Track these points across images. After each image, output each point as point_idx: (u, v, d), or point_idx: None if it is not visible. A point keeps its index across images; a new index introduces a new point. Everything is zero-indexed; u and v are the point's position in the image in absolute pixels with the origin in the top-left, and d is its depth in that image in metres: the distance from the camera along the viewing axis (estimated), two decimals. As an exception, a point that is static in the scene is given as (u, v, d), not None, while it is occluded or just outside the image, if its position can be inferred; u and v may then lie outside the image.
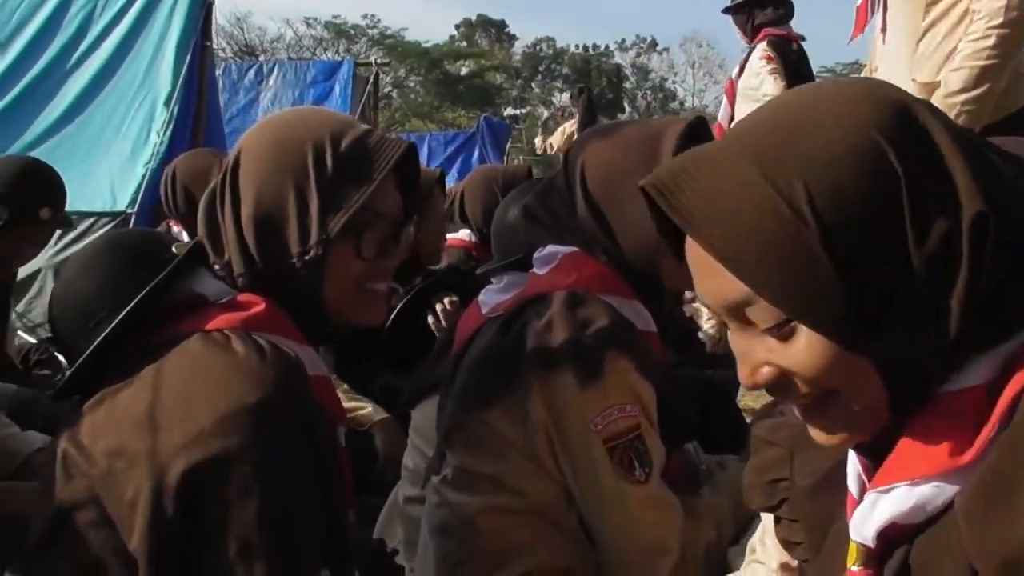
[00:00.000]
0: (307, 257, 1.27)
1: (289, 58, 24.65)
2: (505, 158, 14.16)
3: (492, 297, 1.66)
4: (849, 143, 0.76)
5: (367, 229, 1.31)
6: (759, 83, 4.85)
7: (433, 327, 2.70)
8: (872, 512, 0.81)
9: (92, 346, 1.24)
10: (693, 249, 0.83)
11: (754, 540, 1.23)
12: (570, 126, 9.18)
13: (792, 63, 4.88)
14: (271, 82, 10.66)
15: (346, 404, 2.08)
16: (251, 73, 10.84)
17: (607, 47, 53.23)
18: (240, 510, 1.10)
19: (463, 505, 1.53)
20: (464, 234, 3.38)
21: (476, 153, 13.46)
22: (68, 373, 1.30)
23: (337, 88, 10.75)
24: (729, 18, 5.26)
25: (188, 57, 5.20)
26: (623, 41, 53.71)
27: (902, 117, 0.78)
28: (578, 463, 1.47)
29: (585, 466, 1.47)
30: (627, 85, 50.72)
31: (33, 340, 3.67)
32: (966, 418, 0.76)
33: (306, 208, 1.27)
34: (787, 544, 1.09)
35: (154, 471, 1.10)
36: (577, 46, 52.85)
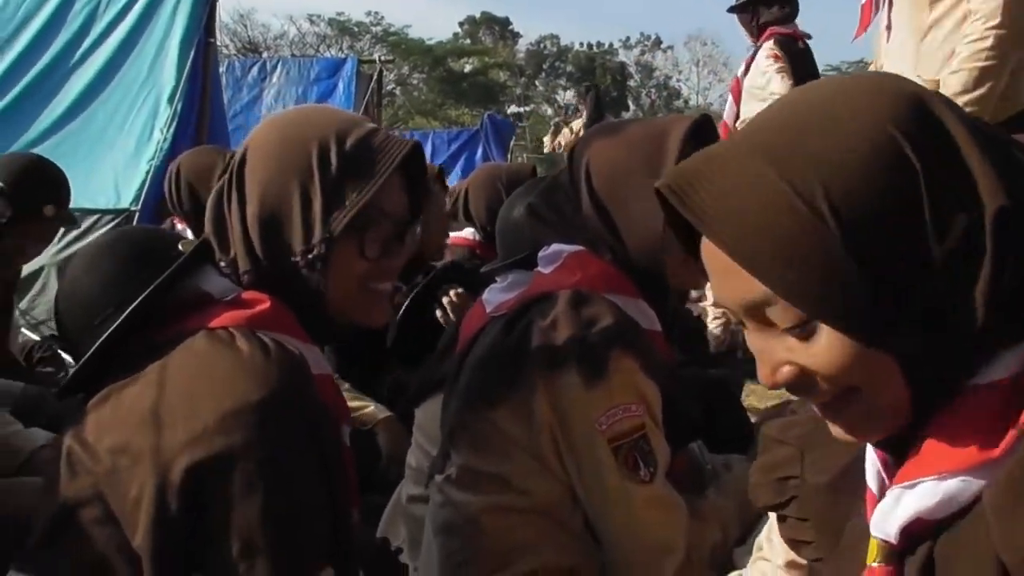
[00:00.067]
0: (310, 256, 1.27)
1: (292, 55, 24.66)
2: (509, 156, 14.18)
3: (496, 296, 1.65)
4: (865, 139, 0.76)
5: (371, 228, 1.31)
6: (766, 81, 4.84)
7: (442, 320, 2.70)
8: (896, 508, 0.80)
9: (97, 343, 1.24)
10: (709, 250, 0.83)
11: (761, 538, 1.23)
12: (578, 124, 9.17)
13: (798, 61, 4.87)
14: (274, 79, 10.68)
15: (349, 403, 2.08)
16: (254, 70, 10.86)
17: (611, 45, 53.23)
18: (244, 508, 1.10)
19: (467, 504, 1.53)
20: (468, 232, 3.38)
21: (480, 151, 13.48)
22: (73, 370, 1.30)
23: (341, 85, 10.76)
24: (734, 16, 5.25)
25: (192, 54, 5.22)
26: (627, 39, 53.73)
27: (918, 111, 0.77)
28: (583, 463, 1.47)
29: (590, 466, 1.47)
30: (631, 83, 50.72)
31: (37, 337, 3.68)
32: (993, 413, 0.75)
33: (310, 207, 1.27)
34: (793, 543, 1.08)
35: (158, 468, 1.10)
36: (581, 44, 52.88)
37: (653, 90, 51.59)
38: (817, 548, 1.01)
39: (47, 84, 5.27)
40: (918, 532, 0.80)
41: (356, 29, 38.98)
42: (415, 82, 41.36)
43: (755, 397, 4.27)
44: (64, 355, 3.27)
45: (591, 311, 1.48)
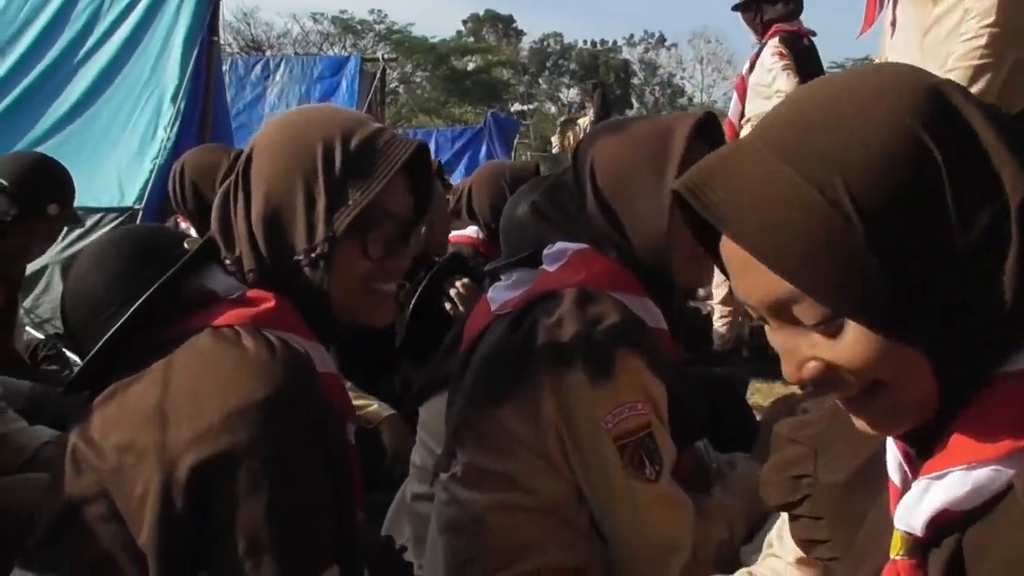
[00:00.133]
0: (313, 255, 1.27)
1: (296, 53, 24.67)
2: (513, 154, 14.18)
3: (501, 294, 1.65)
4: (884, 132, 0.75)
5: (374, 228, 1.31)
6: (771, 79, 4.83)
7: (451, 311, 2.70)
8: (923, 499, 0.80)
9: (102, 341, 1.24)
10: (730, 249, 0.82)
11: (771, 535, 1.22)
12: (585, 122, 9.16)
13: (803, 58, 4.86)
14: (278, 77, 10.69)
15: (353, 402, 2.08)
16: (257, 68, 10.87)
17: (615, 43, 53.30)
18: (249, 506, 1.10)
19: (472, 502, 1.52)
20: (471, 231, 3.37)
21: (483, 149, 13.49)
22: (79, 367, 1.30)
23: (344, 84, 10.78)
24: (739, 14, 5.24)
25: (195, 52, 5.21)
26: (631, 36, 53.81)
27: (936, 102, 0.77)
28: (588, 461, 1.47)
29: (595, 464, 1.46)
30: (635, 81, 50.73)
31: (41, 336, 3.69)
32: (1022, 401, 0.75)
33: (313, 206, 1.27)
34: (805, 543, 1.07)
35: (163, 466, 1.10)
36: (585, 41, 52.96)
37: (657, 88, 51.60)
38: (831, 547, 1.01)
39: (51, 83, 5.27)
40: (944, 523, 0.80)
41: (359, 27, 39.01)
42: (418, 80, 41.38)
43: (760, 395, 4.27)
44: (69, 353, 3.28)
45: (597, 309, 1.48)
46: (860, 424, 0.85)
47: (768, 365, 4.92)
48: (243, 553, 1.10)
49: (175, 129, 4.99)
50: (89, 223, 4.51)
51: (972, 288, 0.74)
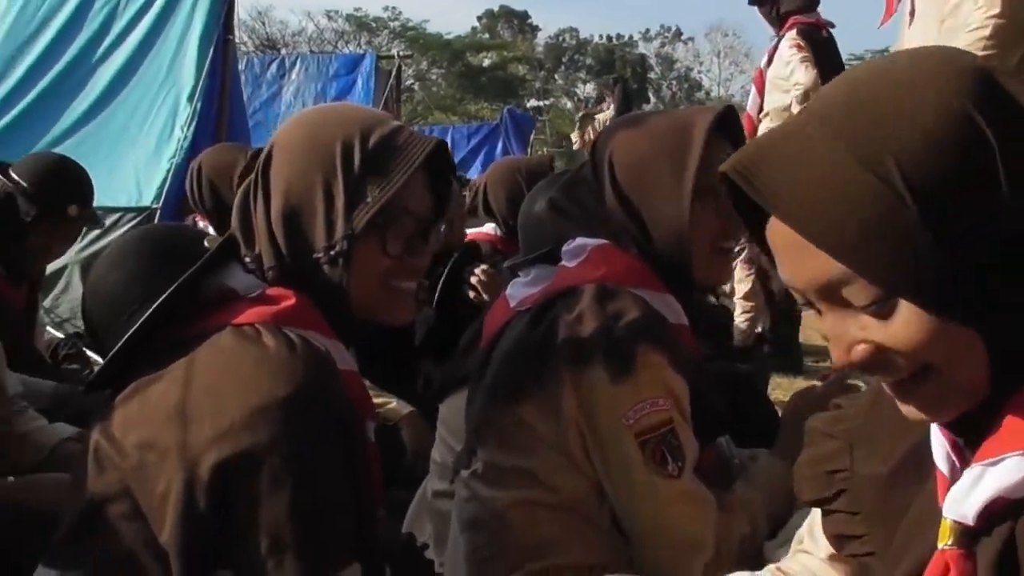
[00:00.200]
0: (333, 252, 1.27)
1: (311, 51, 24.73)
2: (529, 150, 14.16)
3: (520, 291, 1.64)
4: (937, 113, 0.75)
5: (393, 226, 1.31)
6: (789, 72, 4.80)
7: (474, 299, 2.69)
8: (975, 487, 0.79)
9: (123, 340, 1.24)
10: (777, 231, 0.82)
11: (801, 531, 1.21)
12: (605, 117, 9.13)
13: (821, 50, 4.82)
14: (293, 76, 10.72)
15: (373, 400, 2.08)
16: (273, 67, 10.91)
17: (631, 37, 53.19)
18: (271, 504, 1.10)
19: (493, 500, 1.52)
20: (489, 228, 3.37)
21: (500, 145, 13.48)
22: (100, 366, 1.30)
23: (359, 81, 10.79)
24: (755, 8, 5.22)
25: (211, 52, 5.24)
26: (647, 31, 53.68)
27: (988, 84, 0.77)
28: (610, 458, 1.46)
29: (617, 461, 1.45)
30: (652, 75, 50.59)
31: (61, 335, 3.71)
32: None
33: (332, 204, 1.27)
34: (837, 539, 1.06)
35: (185, 464, 1.11)
36: (601, 36, 52.85)
37: (674, 82, 51.48)
38: (867, 542, 1.00)
39: (68, 83, 5.31)
40: (997, 512, 0.79)
41: (374, 25, 39.08)
42: (434, 77, 41.43)
43: (781, 391, 4.25)
44: (89, 352, 3.30)
45: (617, 305, 1.47)
46: (907, 411, 0.84)
47: (788, 360, 4.92)
48: (265, 551, 1.10)
49: (192, 128, 5.01)
50: (107, 223, 4.53)
51: None
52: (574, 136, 9.70)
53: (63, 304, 4.57)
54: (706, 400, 1.54)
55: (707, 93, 49.78)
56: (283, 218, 1.29)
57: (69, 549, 1.19)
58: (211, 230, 3.16)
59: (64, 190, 2.86)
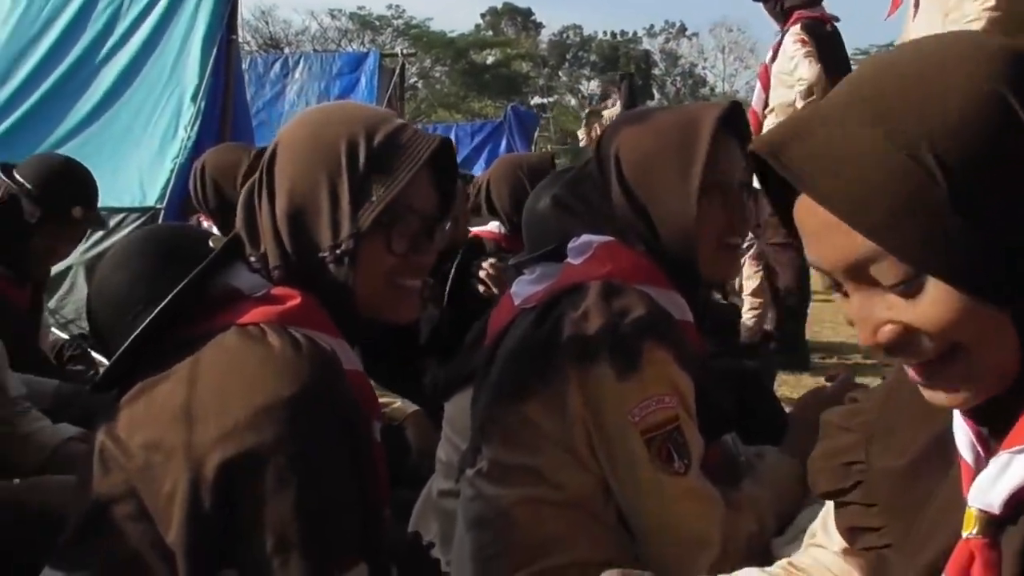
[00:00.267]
0: (338, 251, 1.27)
1: (314, 50, 24.77)
2: (533, 147, 14.16)
3: (525, 288, 1.64)
4: (970, 94, 0.75)
5: (398, 224, 1.31)
6: (793, 67, 4.79)
7: (484, 293, 2.69)
8: (1003, 475, 0.79)
9: (128, 341, 1.24)
10: (806, 209, 0.82)
11: (814, 525, 1.21)
12: (610, 114, 9.12)
13: (826, 45, 4.81)
14: (297, 75, 10.72)
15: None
16: (277, 66, 10.91)
17: (635, 33, 53.20)
18: (276, 503, 1.10)
19: (499, 498, 1.52)
20: (493, 226, 3.37)
21: (504, 143, 13.47)
22: (106, 367, 1.30)
23: (363, 80, 10.80)
24: (759, 3, 5.20)
25: (214, 51, 5.23)
26: (651, 27, 53.66)
27: (1018, 65, 0.76)
28: (616, 455, 1.46)
29: (623, 458, 1.45)
30: (656, 72, 50.55)
31: (66, 336, 3.71)
32: None
33: (337, 202, 1.27)
34: (851, 532, 1.06)
35: (191, 464, 1.11)
36: (604, 33, 52.82)
37: (678, 78, 51.44)
38: (884, 534, 1.00)
39: (72, 84, 5.31)
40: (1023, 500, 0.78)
41: (377, 23, 39.13)
42: (437, 75, 41.47)
43: (787, 387, 4.24)
44: (94, 353, 3.30)
45: (623, 302, 1.46)
46: (931, 397, 0.84)
47: (795, 357, 4.91)
48: (271, 550, 1.10)
49: (196, 128, 5.01)
50: (112, 223, 4.54)
51: None
52: (580, 133, 9.69)
53: (68, 305, 4.58)
54: (712, 397, 1.54)
55: (711, 89, 49.74)
56: (288, 217, 1.29)
57: (75, 550, 1.19)
58: (215, 230, 3.16)
59: (69, 192, 2.86)
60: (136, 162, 4.99)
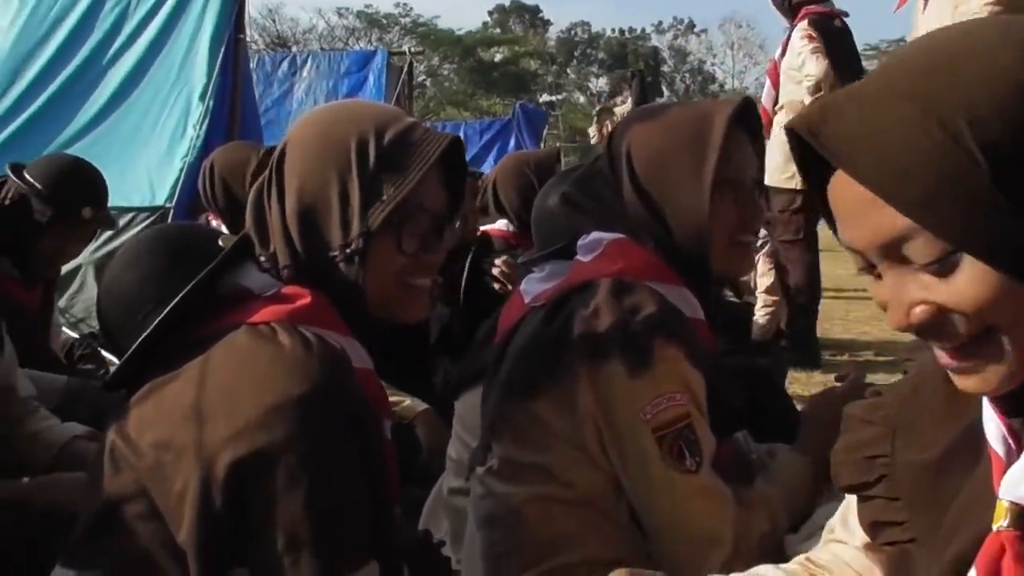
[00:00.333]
0: (348, 250, 1.27)
1: (322, 49, 24.78)
2: (542, 145, 14.14)
3: (535, 286, 1.63)
4: (1008, 73, 0.74)
5: (408, 223, 1.30)
6: (801, 63, 4.77)
7: (499, 289, 2.69)
8: None
9: (139, 340, 1.24)
10: (842, 189, 0.82)
11: (833, 520, 1.20)
12: (622, 111, 9.12)
13: (834, 40, 4.79)
14: (305, 73, 10.74)
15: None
16: (284, 65, 10.93)
17: (643, 30, 53.15)
18: (287, 502, 1.10)
19: (509, 496, 1.52)
20: (501, 224, 3.37)
21: (512, 141, 13.48)
22: (116, 366, 1.30)
23: (371, 78, 10.81)
24: (769, -1, 5.19)
25: (222, 50, 5.24)
26: (660, 23, 53.60)
27: None
28: (627, 453, 1.45)
29: (634, 456, 1.45)
30: (665, 68, 50.49)
31: (76, 335, 3.72)
32: None
33: (348, 201, 1.27)
34: (874, 526, 1.05)
35: (201, 463, 1.11)
36: (613, 30, 52.81)
37: (687, 75, 51.38)
38: (907, 528, 0.99)
39: (80, 84, 5.32)
40: None
41: (385, 21, 39.19)
42: (445, 73, 41.50)
43: (799, 385, 4.23)
44: (104, 352, 3.31)
45: (634, 299, 1.46)
46: (962, 383, 0.83)
47: (806, 355, 4.90)
48: (282, 549, 1.10)
49: (204, 127, 5.02)
50: (121, 223, 4.54)
51: None
52: (591, 130, 9.69)
53: (78, 304, 4.59)
54: (723, 395, 1.53)
55: (721, 85, 49.68)
56: (298, 216, 1.29)
57: (86, 549, 1.19)
58: (224, 229, 3.16)
59: (79, 192, 2.87)
60: (145, 161, 5.00)
